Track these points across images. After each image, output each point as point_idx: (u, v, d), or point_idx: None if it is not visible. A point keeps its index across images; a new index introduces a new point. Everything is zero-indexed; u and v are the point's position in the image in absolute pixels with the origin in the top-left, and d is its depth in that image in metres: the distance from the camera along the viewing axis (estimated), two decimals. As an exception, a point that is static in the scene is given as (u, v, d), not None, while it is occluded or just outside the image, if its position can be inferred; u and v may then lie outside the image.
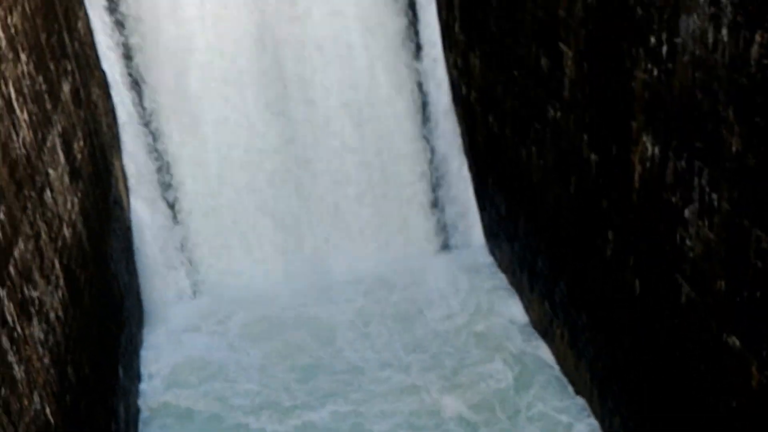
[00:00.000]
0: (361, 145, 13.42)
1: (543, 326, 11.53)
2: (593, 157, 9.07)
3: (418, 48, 13.43)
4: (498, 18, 11.32)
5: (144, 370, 11.77)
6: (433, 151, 13.73)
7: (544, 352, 11.29)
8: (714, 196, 6.86)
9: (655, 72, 7.50)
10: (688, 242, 7.36)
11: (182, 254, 13.38)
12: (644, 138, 7.89)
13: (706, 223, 7.02)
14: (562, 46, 9.39)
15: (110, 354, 10.13)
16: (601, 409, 9.92)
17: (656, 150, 7.71)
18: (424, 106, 13.60)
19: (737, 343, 6.78)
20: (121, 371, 10.43)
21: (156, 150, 13.05)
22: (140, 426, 10.83)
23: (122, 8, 12.46)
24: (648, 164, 7.90)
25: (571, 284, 10.34)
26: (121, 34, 12.50)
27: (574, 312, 10.32)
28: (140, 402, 11.17)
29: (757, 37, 5.98)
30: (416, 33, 13.38)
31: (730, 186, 6.62)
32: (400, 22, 13.22)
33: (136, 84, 12.76)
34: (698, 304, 7.33)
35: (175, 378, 11.56)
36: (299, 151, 13.38)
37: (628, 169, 8.29)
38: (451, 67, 13.41)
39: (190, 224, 13.35)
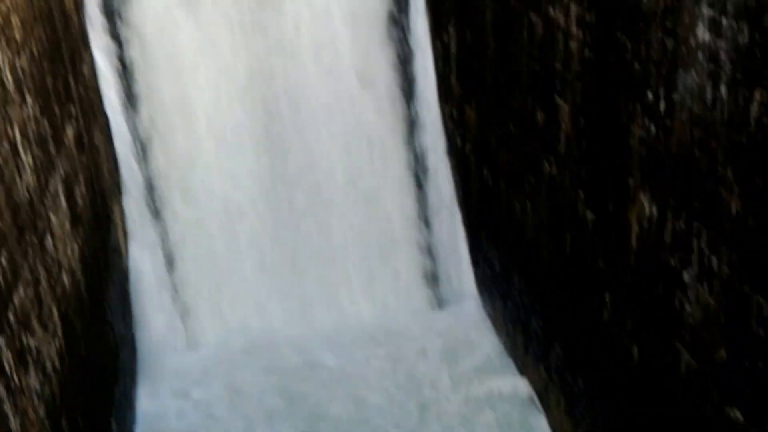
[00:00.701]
0: (354, 193, 13.22)
1: (538, 391, 11.08)
2: (589, 214, 8.74)
3: (413, 98, 13.27)
4: (494, 70, 11.11)
5: (138, 426, 11.36)
6: (426, 203, 13.48)
7: (540, 420, 10.83)
8: (714, 259, 6.51)
9: (653, 128, 7.21)
10: (687, 307, 7.00)
11: (178, 304, 13.16)
12: (641, 196, 7.58)
13: (706, 287, 6.67)
14: (558, 99, 9.14)
15: (104, 407, 9.83)
16: (597, 478, 9.45)
17: (654, 209, 7.39)
18: (419, 156, 13.40)
19: (739, 415, 6.38)
20: (114, 426, 10.11)
21: (155, 197, 12.93)
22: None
23: (128, 54, 12.43)
24: (645, 224, 7.57)
25: (567, 348, 9.94)
26: (125, 79, 12.46)
27: (571, 378, 9.90)
28: None
29: (757, 95, 5.69)
30: (411, 83, 13.24)
31: (730, 249, 6.28)
32: (395, 72, 13.09)
33: (138, 130, 12.70)
34: (698, 373, 6.94)
35: (169, 435, 11.18)
36: (292, 198, 13.29)
37: (625, 229, 7.96)
38: (447, 118, 13.20)
39: (186, 274, 13.17)
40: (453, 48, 12.54)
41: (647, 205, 7.50)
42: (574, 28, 8.51)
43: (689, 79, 6.55)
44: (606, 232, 8.42)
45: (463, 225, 13.34)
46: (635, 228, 7.79)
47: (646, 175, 7.47)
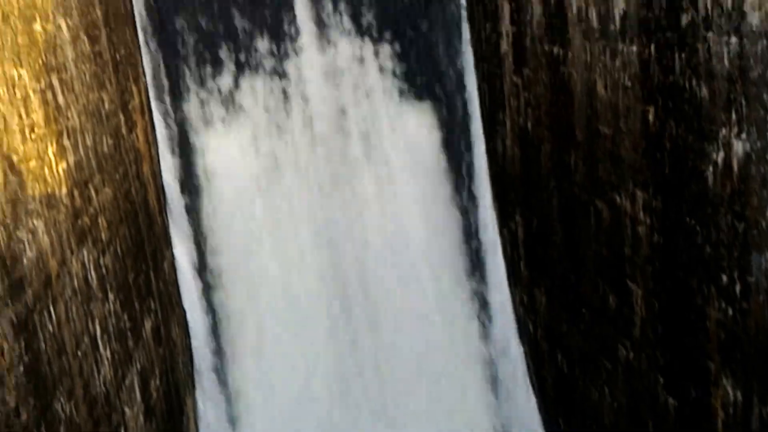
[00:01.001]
0: (427, 385, 13.11)
1: None
2: (671, 400, 8.49)
3: (484, 283, 13.41)
4: (562, 256, 11.19)
5: None
6: (499, 390, 13.26)
7: None
8: (808, 447, 6.23)
9: (729, 311, 7.12)
10: (783, 499, 6.63)
11: None
12: (724, 381, 7.37)
13: (802, 477, 6.34)
14: (629, 283, 9.12)
15: None
16: None
17: (738, 394, 7.16)
18: (489, 343, 13.34)
19: None
20: None
21: (228, 392, 12.98)
22: None
23: (209, 261, 12.82)
24: (731, 410, 7.31)
25: None
26: (203, 275, 12.84)
27: None
28: None
29: (837, 276, 5.64)
30: (483, 275, 13.41)
31: (825, 436, 6.01)
32: (467, 263, 13.31)
33: (215, 324, 12.91)
34: None
35: None
36: (363, 377, 13.24)
37: (710, 415, 7.69)
38: (517, 304, 13.20)
39: None
40: (520, 234, 12.74)
41: (731, 390, 7.28)
42: (641, 214, 8.63)
43: (763, 260, 6.53)
44: (690, 419, 8.13)
45: (539, 413, 13.01)
46: (720, 414, 7.52)
47: (726, 358, 7.30)
